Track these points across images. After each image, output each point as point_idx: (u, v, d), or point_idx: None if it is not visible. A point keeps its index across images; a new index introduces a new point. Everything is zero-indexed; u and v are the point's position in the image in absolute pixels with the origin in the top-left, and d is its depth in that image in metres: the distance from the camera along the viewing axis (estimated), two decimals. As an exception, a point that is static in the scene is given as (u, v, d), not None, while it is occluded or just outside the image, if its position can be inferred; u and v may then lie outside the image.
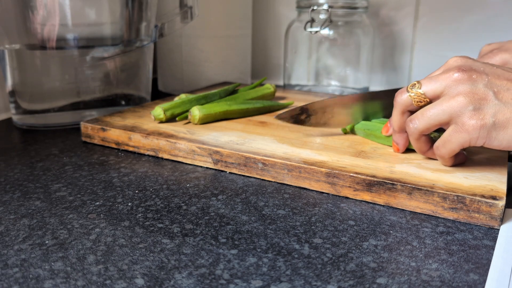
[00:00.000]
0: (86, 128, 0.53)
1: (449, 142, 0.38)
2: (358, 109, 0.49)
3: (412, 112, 0.41)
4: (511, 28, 0.72)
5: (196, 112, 0.53)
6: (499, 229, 0.35)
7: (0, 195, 0.40)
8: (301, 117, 0.48)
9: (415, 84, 0.39)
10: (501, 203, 0.35)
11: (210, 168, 0.46)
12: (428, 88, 0.38)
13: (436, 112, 0.37)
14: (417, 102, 0.39)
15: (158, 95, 0.80)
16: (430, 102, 0.39)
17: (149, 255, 0.31)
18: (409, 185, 0.37)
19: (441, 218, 0.37)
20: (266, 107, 0.59)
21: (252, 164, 0.44)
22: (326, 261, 0.31)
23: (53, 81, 0.57)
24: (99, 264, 0.30)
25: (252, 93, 0.62)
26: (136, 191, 0.41)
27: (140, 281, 0.28)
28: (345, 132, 0.51)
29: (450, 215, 0.36)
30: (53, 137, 0.55)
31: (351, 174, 0.39)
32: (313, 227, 0.35)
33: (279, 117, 0.47)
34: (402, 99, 0.40)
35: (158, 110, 0.53)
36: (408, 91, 0.40)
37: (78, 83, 0.58)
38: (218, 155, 0.45)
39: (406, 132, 0.42)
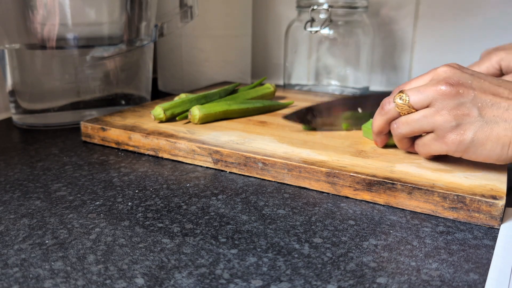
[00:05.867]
0: (86, 127, 0.53)
1: (428, 147, 0.40)
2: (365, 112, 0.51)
3: None
4: (511, 27, 0.72)
5: (196, 111, 0.53)
6: (499, 229, 0.35)
7: (0, 195, 0.40)
8: (307, 117, 0.50)
9: (401, 94, 0.40)
10: (501, 202, 0.35)
11: (210, 168, 0.46)
12: (415, 100, 0.39)
13: (420, 123, 0.39)
14: (404, 113, 0.40)
15: (158, 94, 0.80)
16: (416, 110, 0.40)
17: (149, 254, 0.31)
18: (409, 185, 0.37)
19: (441, 217, 0.37)
20: (266, 106, 0.58)
21: (252, 164, 0.44)
22: (326, 261, 0.31)
23: (53, 81, 0.57)
24: (99, 264, 0.30)
25: (252, 93, 0.62)
26: (136, 191, 0.41)
27: (140, 280, 0.28)
28: (347, 129, 0.51)
29: (450, 215, 0.36)
30: (53, 136, 0.55)
31: (351, 174, 0.39)
32: (313, 227, 0.35)
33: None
34: (389, 109, 0.41)
35: (158, 110, 0.53)
36: (394, 102, 0.40)
37: (78, 82, 0.58)
38: (218, 154, 0.45)
39: (385, 134, 0.44)
